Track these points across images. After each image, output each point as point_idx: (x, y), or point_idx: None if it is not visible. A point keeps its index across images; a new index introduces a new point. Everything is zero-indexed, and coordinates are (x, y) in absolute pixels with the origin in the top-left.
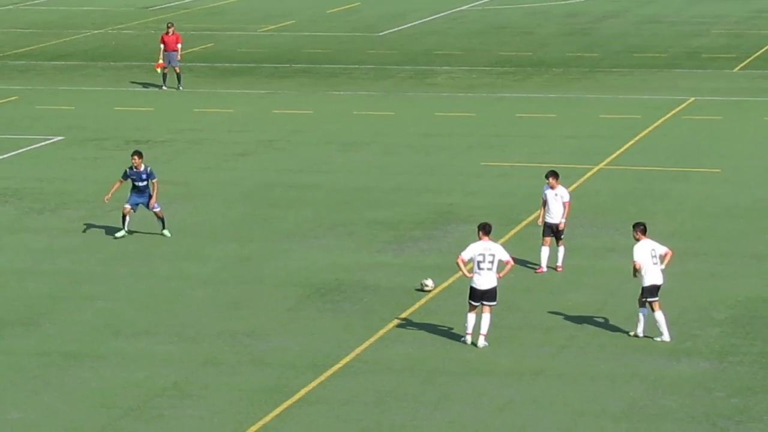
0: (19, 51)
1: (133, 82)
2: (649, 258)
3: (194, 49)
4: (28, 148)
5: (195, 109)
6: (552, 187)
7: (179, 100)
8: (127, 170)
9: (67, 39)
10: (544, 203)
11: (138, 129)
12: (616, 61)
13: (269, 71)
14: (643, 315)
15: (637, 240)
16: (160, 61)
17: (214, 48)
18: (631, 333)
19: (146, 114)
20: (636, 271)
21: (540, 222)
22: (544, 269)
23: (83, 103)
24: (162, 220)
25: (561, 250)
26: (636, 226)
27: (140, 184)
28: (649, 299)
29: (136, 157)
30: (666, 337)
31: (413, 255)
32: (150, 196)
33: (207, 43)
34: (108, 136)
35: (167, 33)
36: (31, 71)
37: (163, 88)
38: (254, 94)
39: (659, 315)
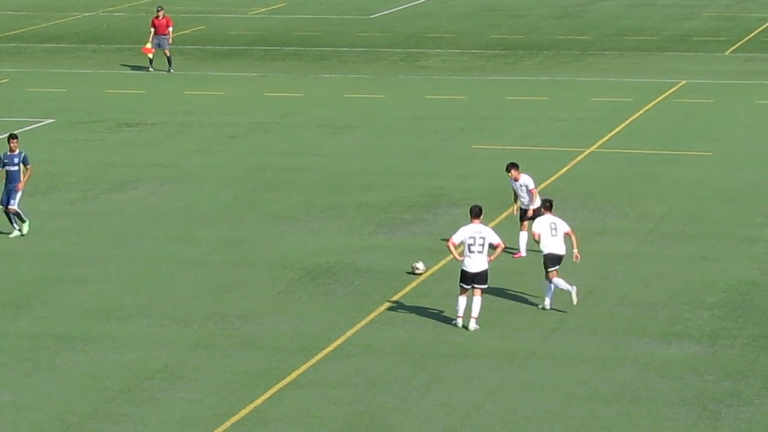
0: (10, 33)
1: (124, 65)
2: (548, 230)
3: (185, 32)
4: (20, 130)
5: (186, 92)
6: (515, 179)
7: (170, 82)
8: (2, 155)
9: (59, 21)
10: (516, 195)
11: (129, 111)
12: (608, 44)
13: (260, 54)
14: (558, 285)
15: (542, 215)
16: (148, 46)
17: (205, 30)
18: (540, 306)
19: (137, 96)
20: (537, 242)
21: (515, 212)
22: (523, 254)
23: (74, 85)
24: (18, 216)
25: None
26: (544, 202)
27: (10, 168)
28: (549, 268)
29: (15, 141)
30: (574, 297)
31: (404, 238)
32: (17, 183)
33: (198, 26)
34: (99, 119)
35: (157, 16)
36: (23, 54)
37: (150, 69)
38: (245, 76)
39: (556, 281)
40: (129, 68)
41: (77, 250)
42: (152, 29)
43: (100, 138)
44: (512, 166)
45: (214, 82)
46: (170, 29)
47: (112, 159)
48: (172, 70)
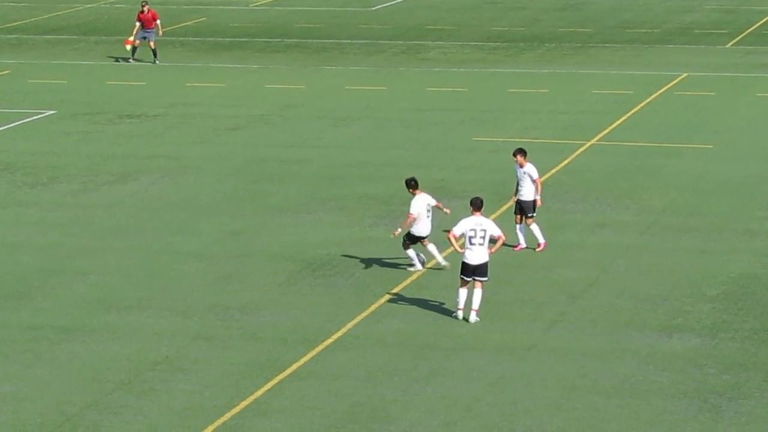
0: (11, 25)
1: (124, 57)
2: (424, 211)
3: (187, 23)
4: (21, 122)
5: (187, 84)
6: (521, 165)
7: (171, 74)
8: None
9: (60, 13)
10: (518, 182)
11: (130, 103)
12: (609, 36)
13: (261, 46)
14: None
15: (414, 195)
16: (131, 39)
17: (206, 22)
18: (410, 269)
19: (138, 88)
20: (411, 222)
21: (513, 200)
22: (523, 245)
23: (75, 77)
24: None
25: (533, 227)
26: (408, 182)
27: None
28: (412, 244)
29: None
30: (418, 267)
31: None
32: None
33: (199, 17)
34: (100, 110)
35: (142, 11)
36: (24, 45)
37: (130, 60)
38: (246, 68)
39: (411, 251)
40: (130, 60)
41: (78, 241)
42: (137, 23)
43: (101, 129)
44: (519, 151)
45: (215, 73)
46: (157, 22)
47: (113, 150)
48: (157, 62)
